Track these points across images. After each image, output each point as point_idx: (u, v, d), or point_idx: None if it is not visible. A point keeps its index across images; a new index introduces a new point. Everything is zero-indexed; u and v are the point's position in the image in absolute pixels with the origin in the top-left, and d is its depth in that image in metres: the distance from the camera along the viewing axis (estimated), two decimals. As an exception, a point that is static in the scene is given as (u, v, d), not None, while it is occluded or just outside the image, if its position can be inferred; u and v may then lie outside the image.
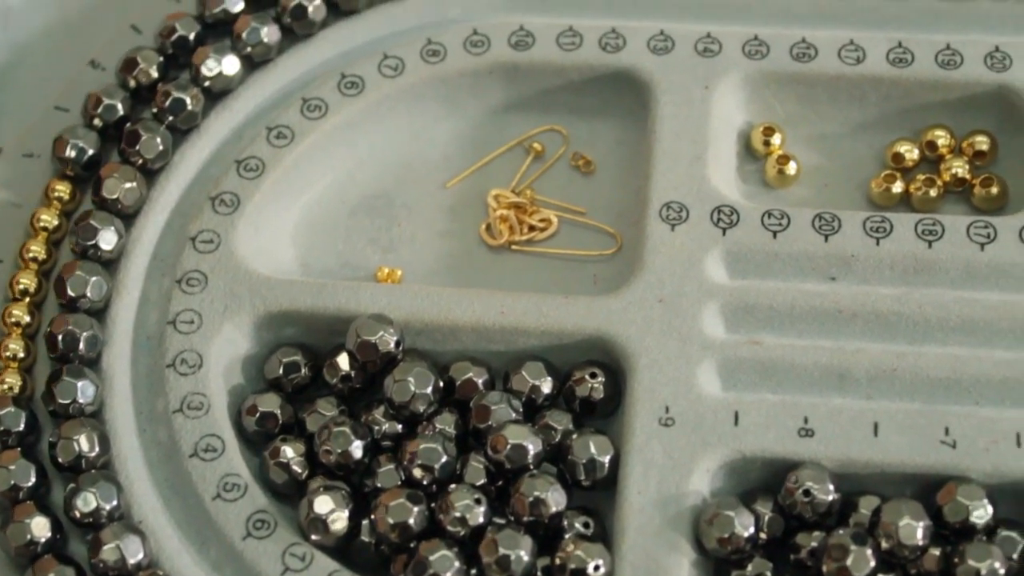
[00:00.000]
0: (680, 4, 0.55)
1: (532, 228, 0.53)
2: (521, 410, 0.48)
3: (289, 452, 0.48)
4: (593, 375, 0.49)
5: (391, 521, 0.46)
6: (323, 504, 0.46)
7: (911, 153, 0.53)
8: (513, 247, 0.53)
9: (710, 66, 0.53)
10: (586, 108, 0.55)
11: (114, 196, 0.51)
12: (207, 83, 0.54)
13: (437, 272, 0.53)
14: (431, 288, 0.50)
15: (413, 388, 0.48)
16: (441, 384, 0.49)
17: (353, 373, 0.49)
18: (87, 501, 0.46)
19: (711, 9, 0.55)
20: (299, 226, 0.53)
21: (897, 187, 0.52)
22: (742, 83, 0.53)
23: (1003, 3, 0.54)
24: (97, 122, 0.53)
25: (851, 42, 0.53)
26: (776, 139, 0.53)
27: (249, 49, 0.54)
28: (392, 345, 0.49)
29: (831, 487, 0.46)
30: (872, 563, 0.44)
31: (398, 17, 0.55)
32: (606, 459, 0.47)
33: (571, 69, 0.54)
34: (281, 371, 0.50)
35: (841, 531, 0.45)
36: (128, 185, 0.52)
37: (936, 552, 0.45)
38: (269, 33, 0.54)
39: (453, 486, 0.46)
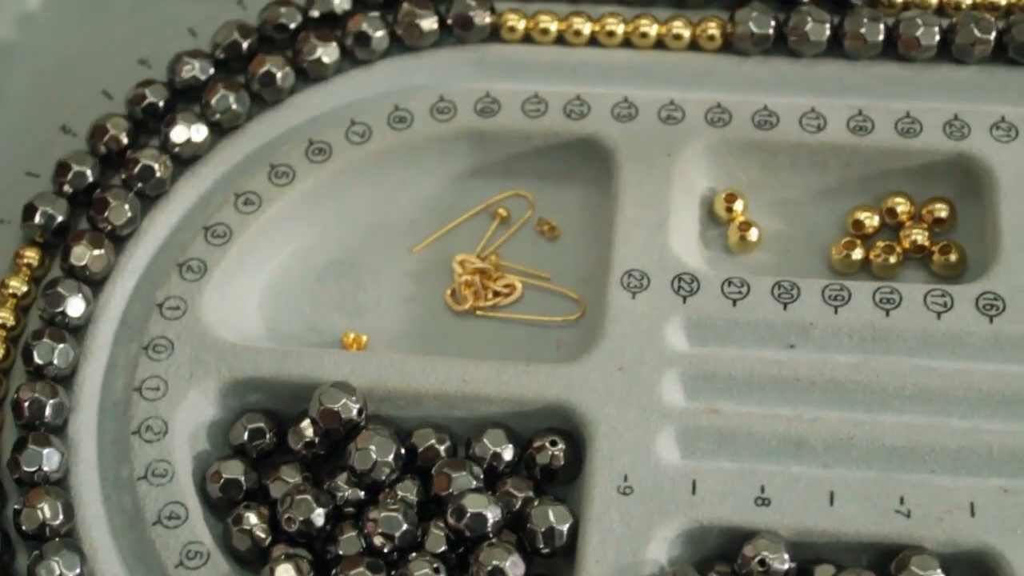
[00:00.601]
0: (644, 71, 0.55)
1: (496, 293, 0.54)
2: (482, 477, 0.49)
3: (252, 519, 0.48)
4: (553, 443, 0.49)
5: (351, 590, 0.46)
6: (284, 572, 0.47)
7: (871, 220, 0.53)
8: (478, 312, 0.53)
9: (673, 133, 0.54)
10: (552, 174, 0.55)
11: (82, 263, 0.52)
12: (176, 150, 0.54)
13: (403, 337, 0.53)
14: (394, 355, 0.51)
15: (375, 456, 0.48)
16: (403, 451, 0.49)
17: (317, 440, 0.50)
18: (51, 570, 0.47)
19: (674, 76, 0.55)
20: (267, 291, 0.54)
21: (857, 254, 0.53)
22: (705, 150, 0.54)
23: (963, 70, 0.54)
24: (67, 188, 0.54)
25: (812, 110, 0.54)
26: (739, 205, 0.54)
27: (218, 116, 0.55)
28: (354, 413, 0.49)
29: (787, 556, 0.46)
30: (826, 633, 0.44)
31: (366, 84, 0.56)
32: (564, 527, 0.47)
33: (536, 136, 0.55)
34: (246, 437, 0.50)
35: (796, 601, 0.45)
36: (96, 252, 0.52)
37: (890, 622, 0.45)
38: (238, 100, 0.55)
39: (413, 555, 0.47)
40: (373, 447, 0.48)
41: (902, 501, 0.47)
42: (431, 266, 0.54)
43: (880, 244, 0.53)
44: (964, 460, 0.48)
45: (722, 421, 0.49)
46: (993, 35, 0.54)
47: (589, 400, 0.49)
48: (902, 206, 0.53)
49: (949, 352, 0.50)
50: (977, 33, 0.54)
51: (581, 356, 0.50)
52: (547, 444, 0.49)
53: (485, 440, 0.49)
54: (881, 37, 0.54)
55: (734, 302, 0.51)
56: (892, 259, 0.53)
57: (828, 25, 0.55)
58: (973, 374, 0.49)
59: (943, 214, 0.53)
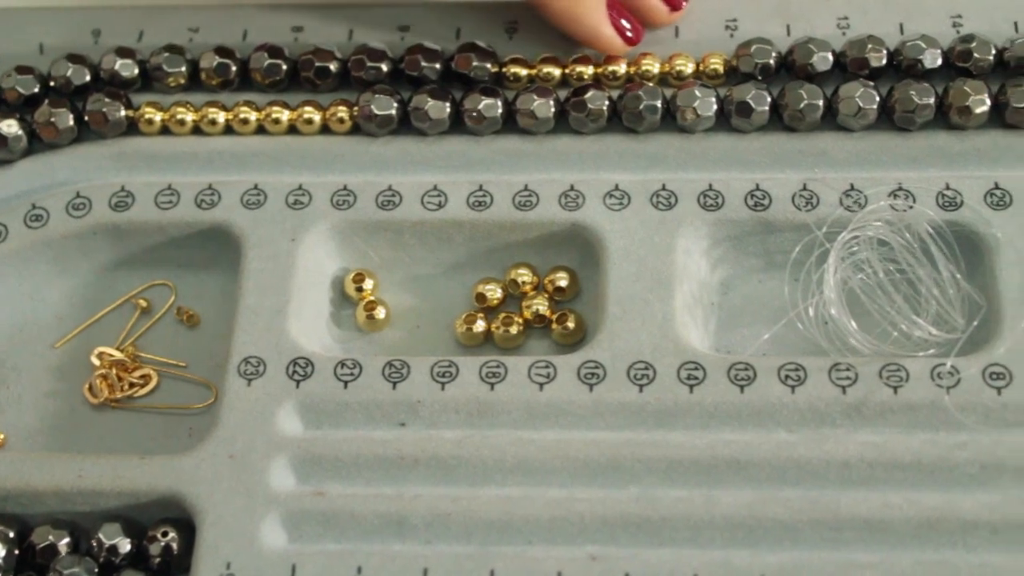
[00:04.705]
0: (276, 157, 0.56)
1: (132, 384, 0.54)
2: (96, 571, 0.50)
3: None
4: (165, 533, 0.50)
5: None
6: None
7: (494, 293, 0.54)
8: (113, 405, 0.54)
9: (299, 218, 0.55)
10: (192, 262, 0.56)
11: None
12: None
13: (42, 433, 0.54)
14: (10, 454, 0.52)
15: (-17, 558, 0.49)
16: (15, 551, 0.50)
17: (-62, 543, 0.51)
18: None
19: (305, 161, 0.56)
20: (-88, 395, 0.55)
21: (479, 327, 0.54)
22: (331, 233, 0.55)
23: (580, 141, 0.55)
24: None
25: (434, 187, 0.55)
26: (368, 284, 0.55)
27: None
28: (-32, 515, 0.50)
29: (379, 636, 0.47)
30: None
31: (6, 184, 0.57)
32: (166, 619, 0.48)
33: (170, 227, 0.56)
34: None
35: None
36: None
37: None
38: None
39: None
40: (-18, 549, 0.49)
41: (492, 574, 0.48)
42: (73, 361, 0.55)
43: (501, 316, 0.54)
44: (557, 529, 0.49)
45: (327, 503, 0.50)
46: (606, 105, 0.55)
47: (199, 490, 0.50)
48: (525, 277, 0.55)
49: (552, 423, 0.51)
50: (591, 105, 0.55)
51: (195, 446, 0.51)
52: (159, 535, 0.50)
53: (101, 535, 0.50)
54: (500, 112, 0.55)
55: (345, 384, 0.52)
56: (513, 330, 0.54)
57: (449, 103, 0.56)
58: (571, 443, 0.50)
59: (564, 283, 0.54)
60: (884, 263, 0.52)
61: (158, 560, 0.50)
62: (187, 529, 0.50)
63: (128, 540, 0.50)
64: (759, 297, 0.54)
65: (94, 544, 0.50)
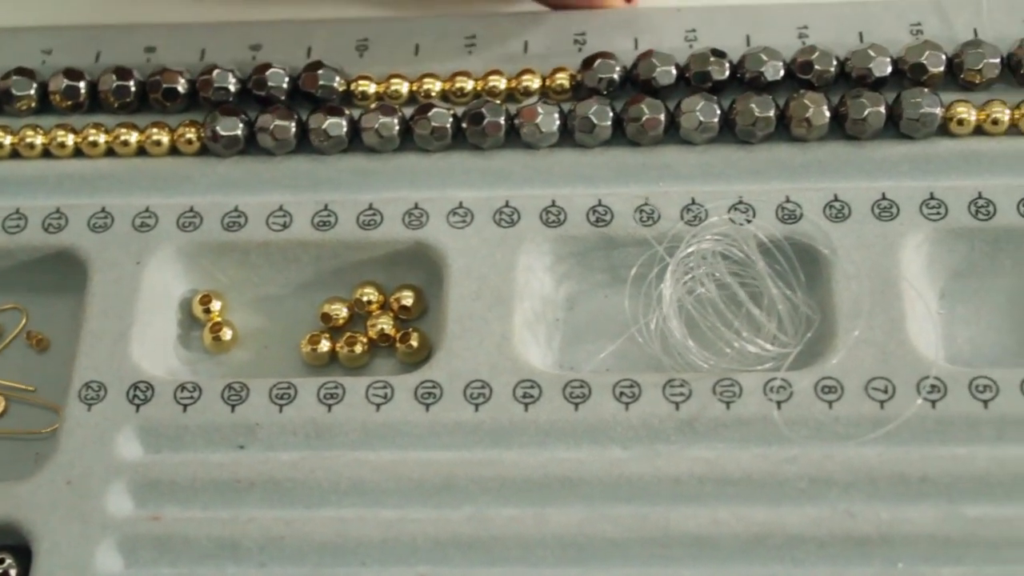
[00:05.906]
0: (124, 179, 0.56)
1: (-21, 409, 0.55)
2: (-70, 601, 0.50)
3: None
4: (1, 561, 0.50)
5: None
6: None
7: (339, 312, 0.55)
8: (-42, 430, 0.54)
9: (144, 240, 0.55)
10: (42, 286, 0.56)
11: None
12: None
13: None
14: None
15: None
16: None
17: None
18: None
19: (154, 182, 0.56)
20: None
21: (324, 347, 0.54)
22: (176, 255, 0.55)
23: (425, 159, 0.55)
24: None
25: (280, 208, 0.55)
26: (216, 306, 0.55)
27: None
28: None
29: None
30: None
31: None
32: (-3, 648, 0.48)
33: (18, 251, 0.56)
34: None
35: None
36: None
37: None
38: None
39: None
40: None
41: (322, 596, 0.48)
42: (-78, 386, 0.55)
43: (345, 336, 0.54)
44: (390, 550, 0.49)
45: (163, 528, 0.50)
46: (451, 122, 0.55)
47: (35, 516, 0.50)
48: (370, 296, 0.55)
49: (388, 443, 0.51)
50: (435, 122, 0.55)
51: (34, 472, 0.51)
52: (-5, 563, 0.50)
53: (-62, 563, 0.50)
54: (345, 131, 0.55)
55: (185, 407, 0.52)
56: (358, 349, 0.54)
57: (294, 123, 0.56)
58: (406, 464, 0.50)
59: (409, 302, 0.54)
60: (720, 277, 0.52)
61: (-6, 588, 0.50)
62: (26, 556, 0.50)
63: (-34, 568, 0.51)
64: (604, 312, 0.54)
65: (-72, 573, 0.51)
